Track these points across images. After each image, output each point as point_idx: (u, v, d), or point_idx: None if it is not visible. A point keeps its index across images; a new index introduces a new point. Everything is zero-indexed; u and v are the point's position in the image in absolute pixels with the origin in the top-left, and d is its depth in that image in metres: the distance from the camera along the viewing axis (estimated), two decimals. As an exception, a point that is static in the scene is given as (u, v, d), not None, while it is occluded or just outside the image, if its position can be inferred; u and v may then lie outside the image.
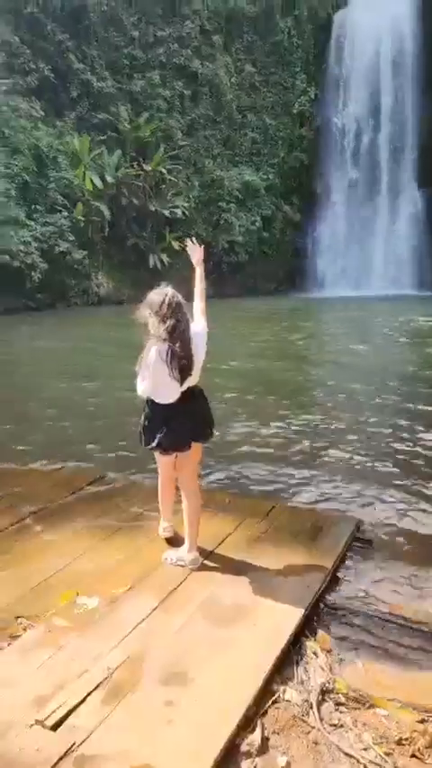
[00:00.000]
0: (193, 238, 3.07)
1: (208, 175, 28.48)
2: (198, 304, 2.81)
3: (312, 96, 29.86)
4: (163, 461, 2.86)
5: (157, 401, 2.64)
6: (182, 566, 2.78)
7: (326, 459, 4.82)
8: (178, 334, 2.48)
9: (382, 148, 29.53)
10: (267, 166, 30.13)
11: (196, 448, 2.75)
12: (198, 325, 2.67)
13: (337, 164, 30.37)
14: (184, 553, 2.81)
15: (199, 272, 2.95)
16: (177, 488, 2.95)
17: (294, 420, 6.05)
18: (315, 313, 21.09)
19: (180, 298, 2.55)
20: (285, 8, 29.06)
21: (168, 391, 2.57)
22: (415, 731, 1.86)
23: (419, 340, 12.60)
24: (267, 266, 29.81)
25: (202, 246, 3.01)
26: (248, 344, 12.12)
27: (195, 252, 2.97)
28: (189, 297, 2.72)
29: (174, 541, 2.98)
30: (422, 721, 1.92)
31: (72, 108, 25.55)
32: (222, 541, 3.03)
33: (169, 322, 2.47)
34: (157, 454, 2.82)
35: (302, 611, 2.43)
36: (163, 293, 2.53)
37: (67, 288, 23.46)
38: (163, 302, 2.49)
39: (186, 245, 3.01)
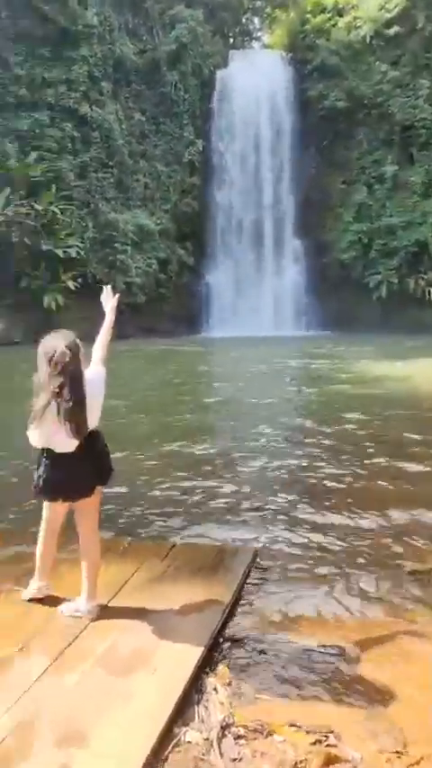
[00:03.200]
0: (109, 287, 3.06)
1: (102, 217, 28.67)
2: (98, 352, 2.75)
3: (201, 148, 31.63)
4: (54, 511, 2.74)
5: (54, 450, 2.57)
6: (79, 616, 2.67)
7: (222, 493, 4.93)
8: (65, 393, 2.39)
9: (265, 202, 32.14)
10: (161, 211, 31.11)
11: (97, 492, 2.70)
12: (93, 372, 2.62)
13: (226, 213, 32.35)
14: (82, 603, 2.71)
15: (108, 321, 2.92)
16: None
17: (184, 455, 6.13)
18: (204, 355, 21.74)
19: (71, 346, 2.43)
20: (171, 62, 30.76)
21: (65, 442, 2.50)
22: (309, 752, 1.94)
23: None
24: (164, 307, 30.38)
25: (117, 296, 3.01)
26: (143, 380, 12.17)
27: (109, 300, 2.97)
28: (86, 338, 2.68)
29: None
30: (315, 742, 2.00)
31: None
32: (122, 587, 2.96)
33: (55, 381, 2.38)
34: (46, 504, 2.72)
35: (202, 648, 2.44)
36: (52, 349, 2.42)
37: None
38: (51, 360, 2.40)
39: (102, 294, 3.01)
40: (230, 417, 8.68)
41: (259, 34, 39.05)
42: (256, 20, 38.26)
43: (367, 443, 6.48)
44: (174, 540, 3.79)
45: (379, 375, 12.62)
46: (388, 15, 29.36)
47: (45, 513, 2.77)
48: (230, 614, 2.86)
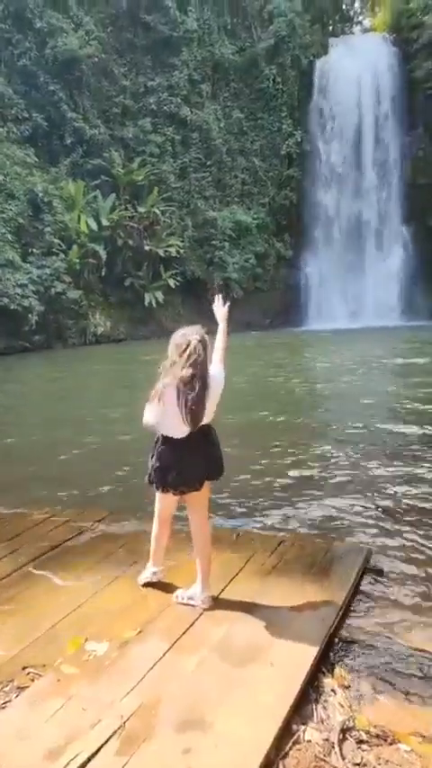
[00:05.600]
0: (220, 296, 3.10)
1: (201, 216, 29.30)
2: (219, 353, 2.79)
3: (299, 139, 31.07)
4: (166, 502, 2.81)
5: (166, 435, 2.65)
6: (192, 605, 2.72)
7: (332, 487, 4.79)
8: (194, 383, 2.49)
9: (369, 189, 30.64)
10: (258, 206, 31.05)
11: (207, 486, 2.74)
12: (216, 369, 2.68)
13: (325, 203, 31.40)
14: (197, 591, 2.76)
15: (221, 328, 2.97)
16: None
17: (295, 450, 6.04)
18: (305, 346, 21.29)
19: (202, 341, 2.54)
20: (269, 57, 30.56)
21: (177, 428, 2.59)
22: (441, 768, 1.80)
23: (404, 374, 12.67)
24: (262, 301, 30.34)
25: (228, 304, 3.04)
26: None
27: (219, 309, 3.02)
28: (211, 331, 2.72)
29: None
30: (447, 757, 1.85)
31: (66, 155, 26.48)
32: (233, 578, 2.98)
33: (186, 371, 2.48)
34: (158, 494, 2.80)
35: (318, 647, 2.37)
36: (186, 340, 2.53)
37: (64, 328, 23.72)
38: (184, 351, 2.51)
39: (213, 303, 3.05)
40: (337, 414, 8.42)
41: (360, 18, 37.36)
42: (356, 3, 36.64)
43: None
44: (283, 534, 3.73)
45: None
46: None
47: (157, 502, 2.86)
48: (344, 615, 2.75)
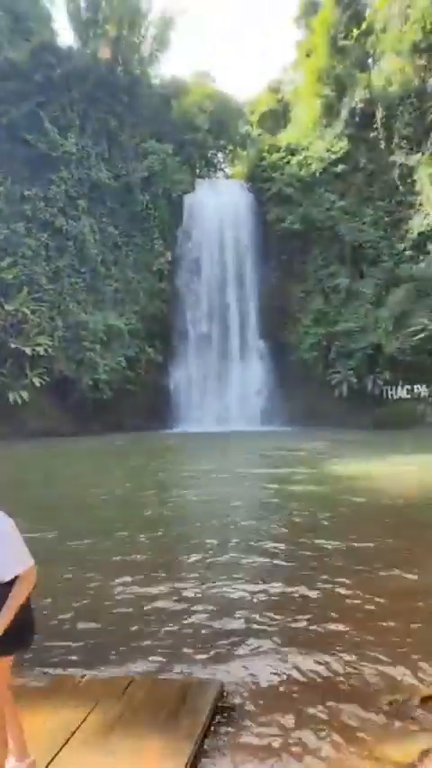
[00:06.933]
0: None
1: (73, 317, 29.61)
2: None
3: (170, 258, 33.96)
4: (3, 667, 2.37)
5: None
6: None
7: (182, 617, 4.60)
8: None
9: (231, 307, 34.36)
10: (131, 312, 32.44)
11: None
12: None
13: (193, 315, 34.16)
14: (15, 765, 2.38)
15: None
16: None
17: (138, 573, 5.80)
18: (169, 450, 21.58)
19: None
20: (143, 186, 33.87)
21: None
22: None
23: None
24: (132, 404, 30.58)
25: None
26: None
27: None
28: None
29: None
30: None
31: None
32: (72, 735, 2.66)
33: None
34: None
35: None
36: None
37: None
38: None
39: None
40: (188, 535, 8.41)
41: (223, 166, 44.06)
42: (219, 155, 43.29)
43: (328, 549, 6.33)
44: (132, 674, 3.48)
45: (352, 474, 12.68)
46: (334, 156, 33.72)
47: None
48: (194, 764, 2.57)
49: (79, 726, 2.76)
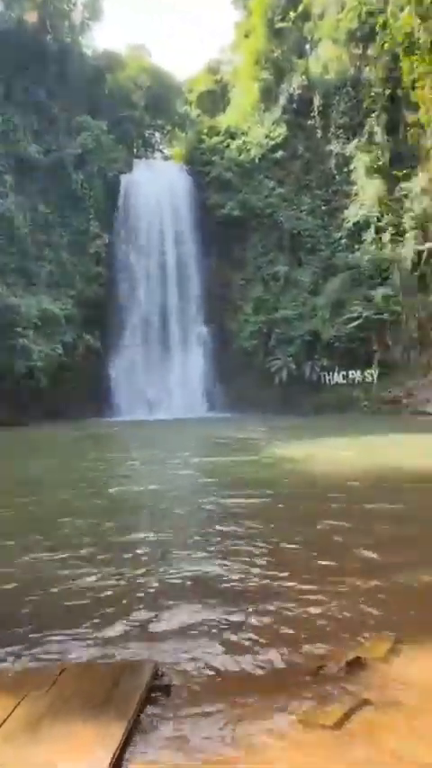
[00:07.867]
0: None
1: (2, 301, 28.13)
2: None
3: (107, 241, 32.97)
4: None
5: None
6: None
7: (111, 596, 4.49)
8: None
9: (170, 293, 33.77)
10: (66, 297, 31.27)
11: None
12: None
13: (133, 301, 33.44)
14: None
15: None
16: None
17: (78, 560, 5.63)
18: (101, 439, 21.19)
19: None
20: (76, 164, 32.55)
21: None
22: None
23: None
24: (71, 391, 29.64)
25: None
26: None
27: None
28: None
29: None
30: None
31: None
32: (-6, 734, 2.47)
33: None
34: None
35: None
36: None
37: None
38: None
39: None
40: (124, 514, 8.26)
41: (161, 147, 43.16)
42: (157, 134, 42.37)
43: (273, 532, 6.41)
44: (64, 662, 3.31)
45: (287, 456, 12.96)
46: (272, 142, 33.92)
47: None
48: (123, 750, 2.46)
49: (4, 722, 2.58)
